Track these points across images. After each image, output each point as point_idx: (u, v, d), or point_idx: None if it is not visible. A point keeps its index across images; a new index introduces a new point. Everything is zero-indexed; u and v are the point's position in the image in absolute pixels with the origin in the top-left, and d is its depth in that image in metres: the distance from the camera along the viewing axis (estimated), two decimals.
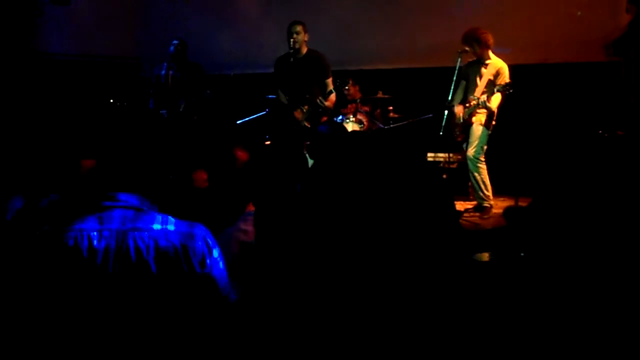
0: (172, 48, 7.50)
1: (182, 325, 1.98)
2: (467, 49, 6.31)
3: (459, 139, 6.51)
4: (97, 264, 1.92)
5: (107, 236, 1.95)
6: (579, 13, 7.24)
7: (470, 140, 6.31)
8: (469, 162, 6.34)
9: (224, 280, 2.11)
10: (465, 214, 6.29)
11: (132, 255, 1.94)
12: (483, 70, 6.32)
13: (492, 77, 6.28)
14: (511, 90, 5.97)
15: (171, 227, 2.03)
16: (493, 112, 6.24)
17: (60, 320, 1.91)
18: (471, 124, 6.32)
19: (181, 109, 7.45)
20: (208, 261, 2.05)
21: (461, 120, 6.38)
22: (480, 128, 6.26)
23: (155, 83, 7.63)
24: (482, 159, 6.29)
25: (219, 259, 2.10)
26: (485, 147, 6.29)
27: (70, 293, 1.91)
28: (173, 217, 2.08)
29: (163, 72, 7.53)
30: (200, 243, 2.04)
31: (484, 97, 6.17)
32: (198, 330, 2.00)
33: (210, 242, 2.08)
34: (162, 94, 7.54)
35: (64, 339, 1.90)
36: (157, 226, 2.01)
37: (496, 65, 6.30)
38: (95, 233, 1.95)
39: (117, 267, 1.93)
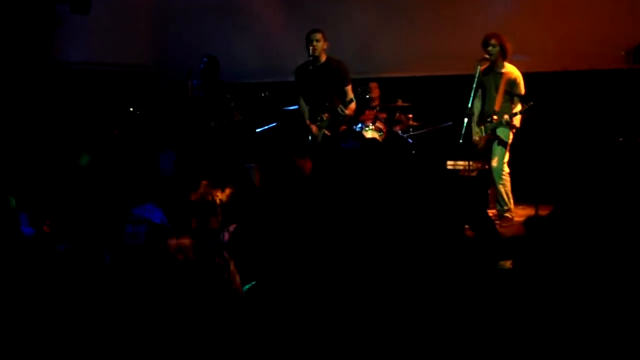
0: (201, 65, 7.30)
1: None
2: (486, 56, 6.29)
3: (480, 148, 6.49)
4: (107, 280, 1.93)
5: (117, 252, 1.96)
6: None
7: (494, 152, 6.34)
8: (494, 173, 6.36)
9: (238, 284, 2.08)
10: None
11: (141, 269, 1.94)
12: (499, 80, 6.31)
13: (508, 88, 6.27)
14: (534, 113, 6.01)
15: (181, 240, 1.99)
16: (517, 128, 6.27)
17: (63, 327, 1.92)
18: (495, 137, 6.33)
19: (212, 125, 7.22)
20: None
21: (483, 134, 6.39)
22: (505, 141, 6.28)
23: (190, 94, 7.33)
24: (507, 171, 6.32)
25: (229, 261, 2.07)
26: (507, 156, 6.30)
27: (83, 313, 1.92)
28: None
29: (194, 92, 7.26)
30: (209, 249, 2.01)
31: (507, 117, 6.18)
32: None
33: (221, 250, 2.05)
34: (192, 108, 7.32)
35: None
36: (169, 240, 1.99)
37: (511, 74, 6.29)
38: (107, 249, 1.97)
39: (125, 282, 1.94)
